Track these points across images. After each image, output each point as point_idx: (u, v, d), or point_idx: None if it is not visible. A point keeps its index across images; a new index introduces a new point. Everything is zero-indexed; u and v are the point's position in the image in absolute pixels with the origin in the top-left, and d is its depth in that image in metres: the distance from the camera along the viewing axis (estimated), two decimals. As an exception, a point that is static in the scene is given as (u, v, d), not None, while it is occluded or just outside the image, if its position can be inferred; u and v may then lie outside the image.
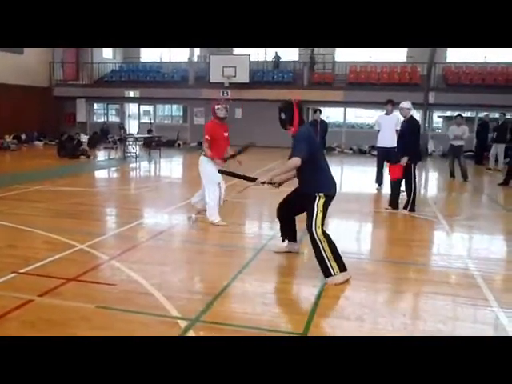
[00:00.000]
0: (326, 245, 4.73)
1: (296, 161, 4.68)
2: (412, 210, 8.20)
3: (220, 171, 6.15)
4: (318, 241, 4.73)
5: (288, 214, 5.40)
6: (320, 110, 12.71)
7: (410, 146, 8.09)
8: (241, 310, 4.00)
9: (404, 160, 8.04)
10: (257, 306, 4.12)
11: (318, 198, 4.78)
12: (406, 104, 8.33)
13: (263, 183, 5.02)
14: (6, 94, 21.77)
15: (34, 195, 8.94)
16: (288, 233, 5.58)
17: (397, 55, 23.99)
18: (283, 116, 4.90)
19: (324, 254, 4.71)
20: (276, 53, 25.21)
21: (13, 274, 4.66)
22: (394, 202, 8.44)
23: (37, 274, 4.74)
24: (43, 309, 3.93)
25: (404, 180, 8.29)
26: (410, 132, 8.17)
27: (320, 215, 4.76)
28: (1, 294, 4.19)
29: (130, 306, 3.97)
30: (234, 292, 4.41)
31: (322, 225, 4.78)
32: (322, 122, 12.55)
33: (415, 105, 21.22)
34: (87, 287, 4.43)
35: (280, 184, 5.28)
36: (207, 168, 6.87)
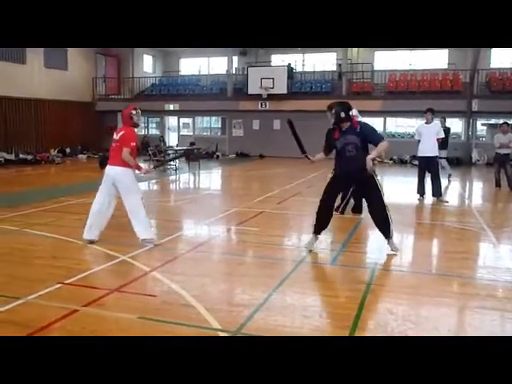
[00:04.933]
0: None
1: (387, 143, 5.85)
2: (342, 212, 8.36)
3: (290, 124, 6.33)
4: (386, 208, 5.95)
5: (332, 207, 6.21)
6: None
7: None
8: (281, 323, 3.96)
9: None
10: (297, 319, 4.08)
11: (375, 176, 5.95)
12: (353, 112, 8.29)
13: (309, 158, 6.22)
14: (51, 109, 22.54)
15: (78, 207, 9.15)
16: (325, 226, 6.17)
17: (438, 62, 23.60)
18: (343, 115, 5.79)
19: (389, 217, 5.93)
20: (289, 64, 25.09)
21: (58, 285, 4.77)
22: (353, 207, 8.49)
23: (81, 284, 4.84)
24: (87, 319, 4.00)
25: None
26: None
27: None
28: (47, 304, 4.30)
29: (171, 318, 4.00)
30: (275, 304, 4.37)
31: None
32: None
33: (458, 113, 20.98)
34: (129, 298, 4.49)
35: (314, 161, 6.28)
36: (132, 179, 6.36)
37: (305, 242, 7.00)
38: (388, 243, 6.06)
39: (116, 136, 6.30)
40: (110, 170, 6.28)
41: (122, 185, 6.25)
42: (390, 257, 6.05)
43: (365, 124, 5.94)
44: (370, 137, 5.84)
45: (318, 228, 6.15)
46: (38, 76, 21.91)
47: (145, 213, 6.33)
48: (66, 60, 23.74)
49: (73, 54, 23.98)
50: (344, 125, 5.88)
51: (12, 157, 19.70)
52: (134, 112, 6.29)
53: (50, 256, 5.89)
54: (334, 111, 5.82)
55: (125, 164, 6.18)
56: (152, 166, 6.78)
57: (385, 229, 6.01)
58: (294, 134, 6.32)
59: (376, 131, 5.92)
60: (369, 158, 5.68)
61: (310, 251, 6.17)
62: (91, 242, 6.29)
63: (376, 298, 4.59)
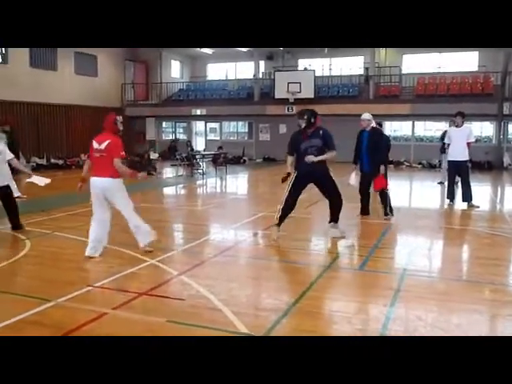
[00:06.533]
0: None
1: (335, 154, 6.73)
2: (391, 213, 8.57)
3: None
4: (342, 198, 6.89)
5: (294, 205, 6.90)
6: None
7: (383, 156, 8.53)
8: (309, 328, 3.94)
9: (383, 168, 8.36)
10: (324, 325, 4.06)
11: (330, 172, 6.82)
12: (366, 115, 8.53)
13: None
14: (81, 114, 22.97)
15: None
16: (284, 219, 6.93)
17: (468, 64, 23.23)
18: (313, 120, 6.69)
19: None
20: (305, 68, 25.06)
21: (88, 288, 4.85)
22: (388, 208, 8.61)
23: (110, 287, 4.91)
24: (116, 322, 4.05)
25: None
26: (375, 142, 8.39)
27: None
28: (77, 307, 4.37)
29: (199, 321, 4.01)
30: (302, 309, 4.35)
31: None
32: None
33: (489, 116, 20.59)
34: (157, 301, 4.53)
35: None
36: (122, 189, 6.00)
37: (331, 246, 6.94)
38: (333, 226, 7.06)
39: (99, 145, 5.89)
40: (98, 181, 5.91)
41: (113, 196, 5.95)
42: (418, 262, 5.97)
43: (326, 130, 6.82)
44: (329, 142, 6.73)
45: (280, 222, 6.92)
46: (68, 82, 22.37)
47: (139, 219, 6.11)
48: (95, 66, 24.20)
49: (102, 60, 24.42)
50: (310, 130, 6.71)
51: (43, 162, 20.14)
52: (118, 118, 6.03)
53: (80, 259, 5.97)
54: (306, 117, 6.66)
55: (114, 174, 5.85)
56: (147, 173, 6.50)
57: (338, 215, 7.00)
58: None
59: (333, 139, 6.78)
60: (313, 158, 6.57)
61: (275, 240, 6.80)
62: (92, 257, 5.97)
63: (405, 304, 4.52)
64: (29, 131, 20.18)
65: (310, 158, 6.55)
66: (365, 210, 8.72)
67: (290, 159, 6.93)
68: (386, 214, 8.50)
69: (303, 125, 6.70)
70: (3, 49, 19.60)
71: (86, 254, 5.98)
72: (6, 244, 6.99)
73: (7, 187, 7.51)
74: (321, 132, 6.75)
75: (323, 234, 7.70)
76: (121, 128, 6.06)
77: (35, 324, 3.98)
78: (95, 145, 5.94)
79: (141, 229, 6.11)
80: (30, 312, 4.18)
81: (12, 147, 9.47)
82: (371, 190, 8.73)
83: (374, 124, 8.70)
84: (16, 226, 7.48)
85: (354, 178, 8.50)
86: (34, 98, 20.39)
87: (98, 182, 5.91)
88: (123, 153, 5.90)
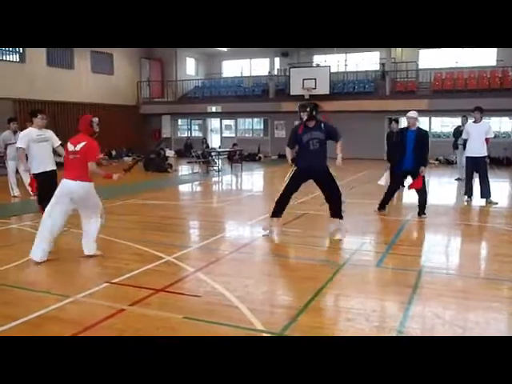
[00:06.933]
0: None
1: (342, 141, 6.95)
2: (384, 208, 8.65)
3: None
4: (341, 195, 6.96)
5: (290, 198, 7.12)
6: (397, 120, 11.81)
7: (425, 156, 8.30)
8: (324, 325, 3.93)
9: (423, 170, 8.12)
10: (341, 322, 4.04)
11: (329, 169, 6.85)
12: (413, 113, 8.28)
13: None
14: (98, 113, 23.01)
15: (121, 209, 9.35)
16: (282, 213, 7.16)
17: (486, 59, 22.91)
18: (315, 113, 6.74)
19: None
20: (318, 64, 24.98)
21: (105, 284, 4.89)
22: (422, 206, 8.40)
23: (127, 284, 4.94)
24: (133, 318, 4.08)
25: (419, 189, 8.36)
26: (420, 142, 8.11)
27: None
28: (95, 303, 4.42)
29: (216, 318, 4.03)
30: (318, 306, 4.34)
31: None
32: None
33: (507, 111, 20.28)
34: (174, 298, 4.55)
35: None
36: (94, 193, 5.84)
37: (347, 243, 6.88)
38: (337, 225, 7.03)
39: (74, 147, 5.68)
40: (66, 183, 5.69)
41: (81, 199, 5.74)
42: (436, 259, 5.92)
43: (327, 123, 6.94)
44: (334, 134, 6.87)
45: (276, 213, 7.11)
46: (85, 81, 22.57)
47: (98, 229, 5.96)
48: (111, 65, 24.37)
49: (118, 58, 24.58)
50: (310, 122, 6.76)
51: (61, 159, 20.26)
52: (93, 120, 5.79)
53: (97, 256, 6.02)
54: (308, 109, 6.72)
55: (83, 177, 5.65)
56: (123, 170, 6.11)
57: (339, 212, 6.98)
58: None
59: (337, 130, 6.95)
60: (340, 159, 6.88)
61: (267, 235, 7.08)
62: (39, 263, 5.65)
63: (423, 301, 4.48)
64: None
65: (340, 162, 6.84)
66: (383, 207, 8.65)
67: (289, 151, 7.05)
68: (424, 214, 8.28)
69: (305, 117, 6.76)
70: (21, 48, 19.83)
71: (32, 256, 5.68)
72: (25, 241, 7.07)
73: (55, 172, 7.49)
74: (322, 125, 6.83)
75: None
76: (97, 130, 5.83)
77: (54, 320, 4.03)
78: (70, 147, 5.74)
79: (94, 236, 5.93)
80: (48, 308, 4.23)
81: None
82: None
83: (418, 123, 8.59)
84: None
85: (385, 179, 8.39)
86: (51, 97, 20.59)
87: (66, 184, 5.71)
88: (99, 156, 5.77)
